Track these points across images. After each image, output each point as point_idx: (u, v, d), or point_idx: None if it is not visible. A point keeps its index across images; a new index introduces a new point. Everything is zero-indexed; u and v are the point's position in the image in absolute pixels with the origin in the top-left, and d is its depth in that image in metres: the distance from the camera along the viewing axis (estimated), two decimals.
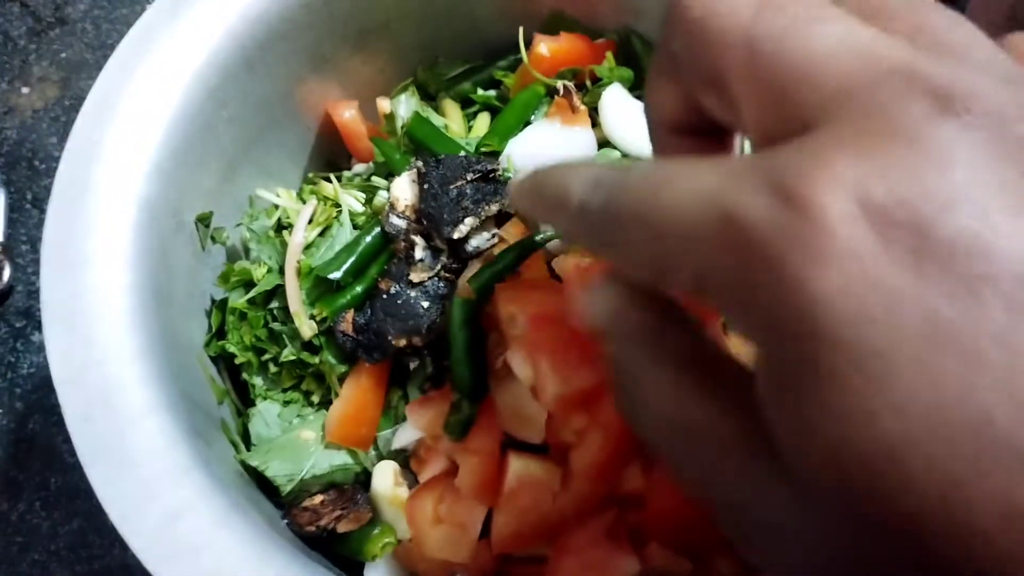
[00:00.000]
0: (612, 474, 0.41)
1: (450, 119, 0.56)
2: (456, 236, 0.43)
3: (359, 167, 0.56)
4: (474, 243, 0.45)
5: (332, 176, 0.53)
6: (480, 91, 0.57)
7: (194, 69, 0.44)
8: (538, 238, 0.43)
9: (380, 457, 0.46)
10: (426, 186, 0.45)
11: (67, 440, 0.40)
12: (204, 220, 0.47)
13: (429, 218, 0.45)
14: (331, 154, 0.57)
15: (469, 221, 0.44)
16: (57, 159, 0.66)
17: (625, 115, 0.52)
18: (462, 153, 0.48)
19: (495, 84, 0.58)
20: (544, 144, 0.51)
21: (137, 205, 0.41)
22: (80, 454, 0.34)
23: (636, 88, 0.55)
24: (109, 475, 0.34)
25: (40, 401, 0.57)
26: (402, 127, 0.53)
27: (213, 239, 0.48)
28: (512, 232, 0.45)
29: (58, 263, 0.38)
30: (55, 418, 0.56)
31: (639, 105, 0.53)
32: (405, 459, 0.46)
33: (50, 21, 0.70)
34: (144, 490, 0.34)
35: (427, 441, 0.44)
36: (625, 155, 0.51)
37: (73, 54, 0.69)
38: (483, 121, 0.56)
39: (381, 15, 0.53)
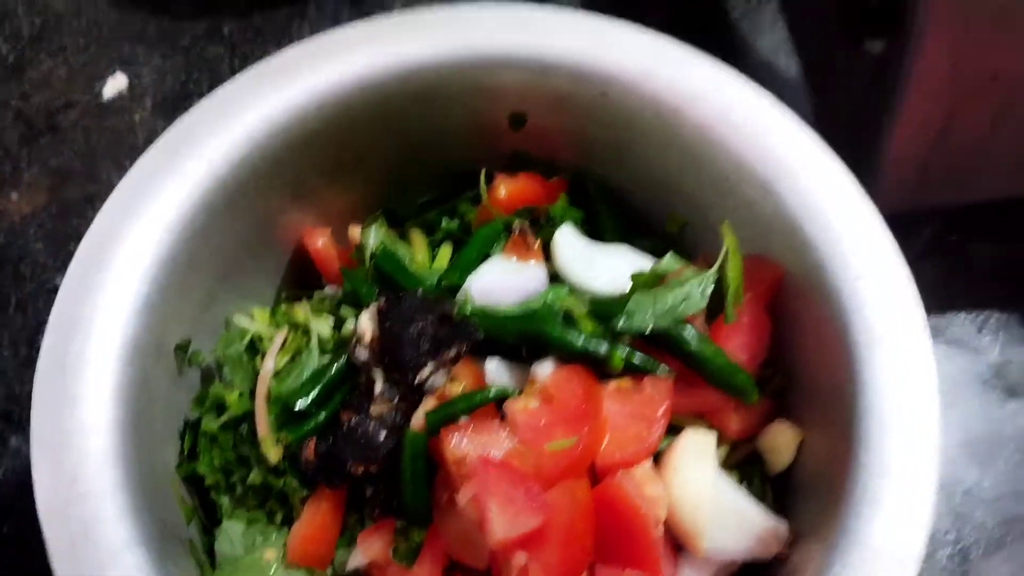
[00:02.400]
0: None
1: (416, 248, 0.60)
2: (417, 381, 0.48)
3: (329, 289, 0.60)
4: (430, 380, 0.49)
5: (304, 300, 0.57)
6: (445, 220, 0.62)
7: (182, 212, 0.49)
8: (491, 393, 0.48)
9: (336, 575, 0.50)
10: (387, 324, 0.50)
11: (41, 544, 0.42)
12: (183, 347, 0.51)
13: (390, 356, 0.49)
14: (305, 275, 0.62)
15: (430, 366, 0.48)
16: (43, 265, 0.70)
17: (575, 253, 0.57)
18: (420, 292, 0.53)
19: (460, 213, 0.63)
20: (500, 279, 0.56)
21: (123, 342, 0.45)
22: None
23: (589, 223, 0.60)
24: None
25: (14, 505, 0.59)
26: (370, 257, 0.57)
27: (190, 362, 0.52)
28: (465, 372, 0.50)
29: (48, 399, 0.42)
30: (30, 521, 0.58)
31: (588, 243, 0.58)
32: None
33: (41, 129, 0.74)
34: None
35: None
36: (573, 290, 0.56)
37: (62, 162, 0.73)
38: (446, 251, 0.60)
39: (357, 151, 0.58)
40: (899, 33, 0.57)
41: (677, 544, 0.49)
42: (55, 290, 0.46)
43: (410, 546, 0.46)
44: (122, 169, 0.73)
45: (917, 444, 0.44)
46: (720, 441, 0.53)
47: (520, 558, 0.44)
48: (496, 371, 0.50)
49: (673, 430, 0.51)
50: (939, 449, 0.44)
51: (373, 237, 0.59)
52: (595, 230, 0.60)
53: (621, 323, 0.51)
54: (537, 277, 0.57)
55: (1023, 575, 0.63)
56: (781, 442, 0.53)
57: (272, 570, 0.48)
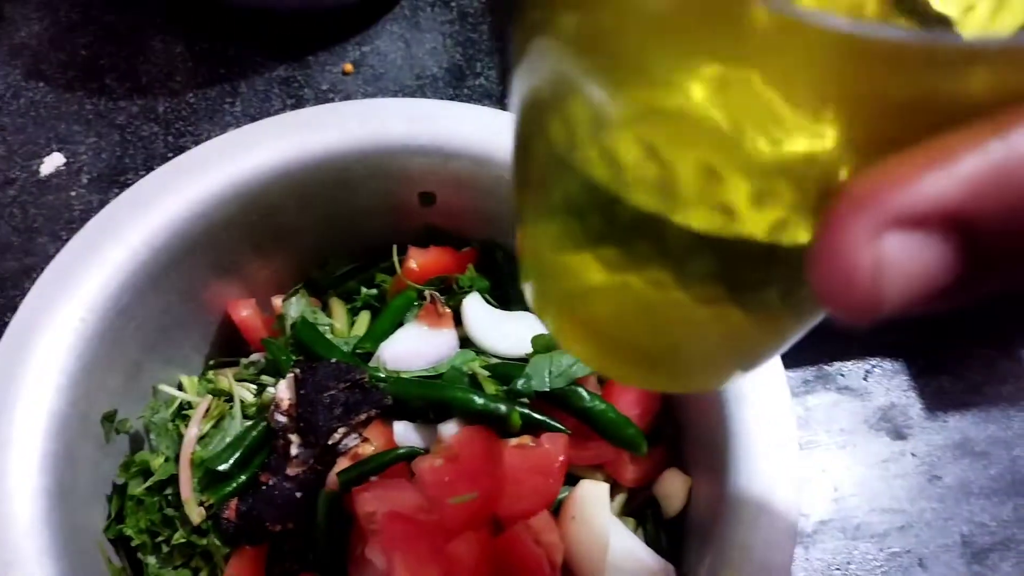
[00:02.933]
0: None
1: (335, 317, 0.65)
2: (330, 443, 0.52)
3: (255, 356, 0.64)
4: (343, 442, 0.53)
5: (227, 368, 0.61)
6: (364, 289, 0.67)
7: (106, 295, 0.52)
8: (398, 452, 0.52)
9: None
10: (302, 392, 0.54)
11: None
12: (109, 417, 0.54)
13: (306, 421, 0.53)
14: (231, 342, 0.65)
15: (342, 430, 0.52)
16: None
17: (482, 319, 0.62)
18: (335, 360, 0.57)
19: (377, 283, 0.68)
20: (412, 345, 0.61)
21: (48, 417, 0.48)
22: None
23: (496, 291, 0.65)
24: None
25: None
26: (291, 327, 0.61)
27: (117, 431, 0.55)
28: (375, 434, 0.54)
29: None
30: None
31: (494, 310, 0.63)
32: None
33: None
34: None
35: None
36: (480, 353, 0.61)
37: (0, 236, 0.76)
38: (364, 318, 0.65)
39: (276, 231, 0.63)
40: None
41: None
42: None
43: None
44: (59, 241, 0.76)
45: (779, 489, 0.50)
46: (617, 489, 0.58)
47: None
48: (404, 432, 0.55)
49: (572, 480, 0.56)
50: (795, 497, 0.50)
51: (294, 308, 0.63)
52: (503, 296, 0.65)
53: (520, 384, 0.55)
54: (447, 342, 0.61)
55: None
56: (673, 488, 0.58)
57: None
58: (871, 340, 0.78)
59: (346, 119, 0.60)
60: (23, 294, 0.52)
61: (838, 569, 0.69)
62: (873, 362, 0.78)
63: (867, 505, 0.72)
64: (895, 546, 0.71)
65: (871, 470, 0.74)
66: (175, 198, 0.56)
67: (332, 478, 0.53)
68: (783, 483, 0.50)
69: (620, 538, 0.54)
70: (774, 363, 0.53)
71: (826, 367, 0.77)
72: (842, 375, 0.77)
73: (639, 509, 0.59)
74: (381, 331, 0.61)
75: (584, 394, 0.55)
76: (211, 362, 0.65)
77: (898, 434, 0.75)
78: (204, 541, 0.53)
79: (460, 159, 0.60)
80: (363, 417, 0.54)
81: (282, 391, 0.55)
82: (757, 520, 0.49)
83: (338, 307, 0.65)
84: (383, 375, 0.56)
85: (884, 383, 0.77)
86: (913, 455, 0.74)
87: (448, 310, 0.62)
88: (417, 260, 0.65)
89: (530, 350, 0.59)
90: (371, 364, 0.58)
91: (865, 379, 0.77)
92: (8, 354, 0.49)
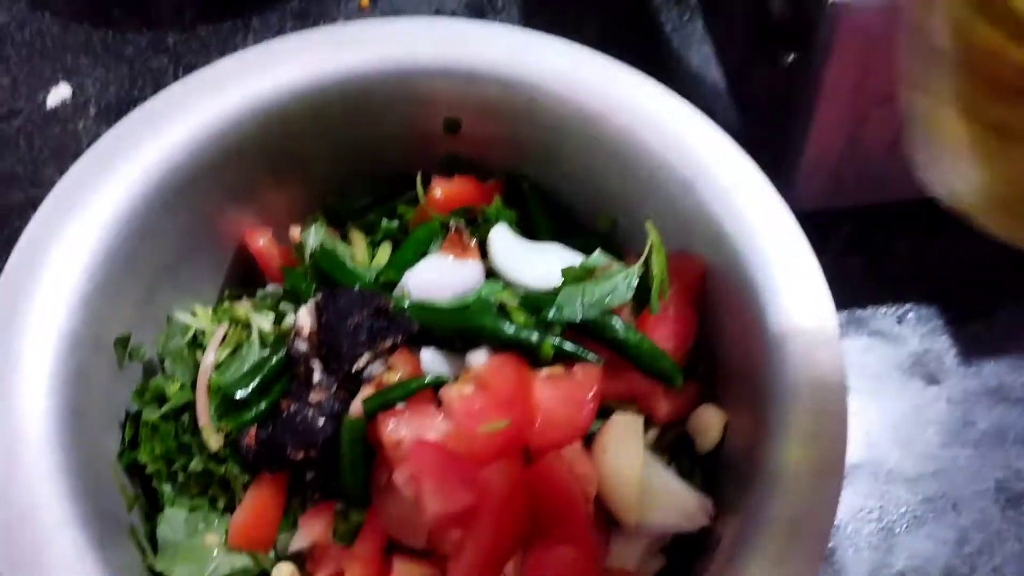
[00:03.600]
0: None
1: (355, 247, 0.62)
2: (354, 370, 0.50)
3: (271, 287, 0.62)
4: (367, 370, 0.51)
5: (245, 298, 0.59)
6: (385, 220, 0.64)
7: (118, 214, 0.50)
8: (426, 380, 0.50)
9: (278, 559, 0.51)
10: (325, 318, 0.51)
11: None
12: (122, 342, 0.52)
13: (328, 348, 0.51)
14: (247, 274, 0.63)
15: (366, 356, 0.50)
16: None
17: (509, 251, 0.60)
18: (357, 287, 0.54)
19: (399, 214, 0.65)
20: (437, 275, 0.58)
21: (59, 336, 0.46)
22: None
23: (522, 224, 0.63)
24: None
25: None
26: (310, 256, 0.59)
27: (131, 357, 0.53)
28: (400, 362, 0.52)
29: None
30: None
31: (522, 241, 0.60)
32: (302, 560, 0.51)
33: None
34: None
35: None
36: (507, 285, 0.58)
37: (5, 167, 0.74)
38: (385, 250, 0.62)
39: (294, 157, 0.60)
40: (807, 46, 0.60)
41: (609, 521, 0.52)
42: None
43: (349, 527, 0.48)
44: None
45: (827, 422, 0.47)
46: (650, 424, 0.56)
47: (455, 533, 0.45)
48: (431, 360, 0.52)
49: (605, 414, 0.54)
50: (847, 426, 0.47)
51: (313, 237, 0.60)
52: (529, 229, 0.63)
53: (552, 314, 0.53)
54: (473, 274, 0.59)
55: (945, 549, 0.66)
56: (708, 424, 0.56)
57: (214, 554, 0.49)
58: (905, 284, 0.76)
59: (371, 38, 0.57)
60: None
61: (870, 512, 0.68)
62: (907, 307, 0.75)
63: (899, 450, 0.70)
64: (928, 491, 0.69)
65: (904, 415, 0.71)
66: (190, 116, 0.53)
67: (356, 406, 0.50)
68: (829, 420, 0.47)
69: (655, 471, 0.52)
70: (822, 295, 0.51)
71: (859, 311, 0.75)
72: (875, 319, 0.75)
73: (672, 445, 0.57)
74: (404, 261, 0.58)
75: (618, 325, 0.53)
76: (226, 293, 0.62)
77: (932, 379, 0.73)
78: (222, 469, 0.51)
79: (488, 83, 0.58)
80: (388, 344, 0.51)
81: (303, 317, 0.53)
82: (801, 462, 0.46)
83: (358, 238, 0.63)
84: (411, 304, 0.53)
85: (918, 328, 0.74)
86: (947, 401, 0.72)
87: (474, 240, 0.59)
88: (442, 189, 0.62)
89: (559, 283, 0.56)
90: (395, 294, 0.56)
91: (899, 324, 0.75)
92: (19, 269, 0.47)
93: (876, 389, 0.72)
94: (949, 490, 0.68)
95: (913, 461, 0.70)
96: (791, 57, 0.64)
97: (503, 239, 0.60)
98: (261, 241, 0.61)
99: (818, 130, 0.65)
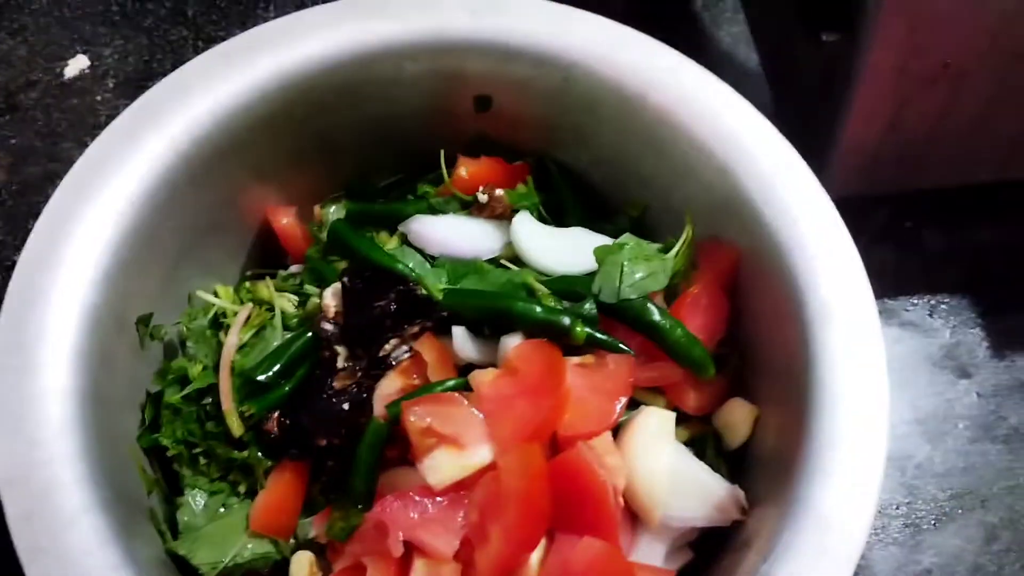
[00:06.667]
0: (511, 568, 0.46)
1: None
2: (380, 355, 0.48)
3: (294, 267, 0.61)
4: (393, 354, 0.50)
5: (268, 278, 0.57)
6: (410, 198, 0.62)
7: (144, 188, 0.49)
8: (451, 383, 0.49)
9: (298, 546, 0.50)
10: (351, 300, 0.50)
11: None
12: (144, 321, 0.51)
13: (354, 332, 0.49)
14: (269, 253, 0.62)
15: (393, 342, 0.49)
16: (1, 243, 0.69)
17: (536, 236, 0.58)
18: (384, 267, 0.53)
19: (420, 195, 0.63)
20: (450, 228, 0.57)
21: (82, 312, 0.45)
22: (19, 551, 0.38)
23: (548, 207, 0.61)
24: (46, 571, 0.37)
25: None
26: (328, 229, 0.57)
27: (152, 336, 0.52)
28: (426, 347, 0.50)
29: (6, 368, 0.42)
30: None
31: (549, 228, 0.59)
32: (323, 548, 0.50)
33: (1, 107, 0.73)
34: None
35: None
36: (537, 272, 0.56)
37: (22, 140, 0.72)
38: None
39: (319, 132, 0.59)
40: (853, 25, 0.58)
41: (635, 514, 0.50)
42: (13, 267, 0.46)
43: (347, 526, 0.47)
44: (84, 147, 0.71)
45: (866, 416, 0.46)
46: (678, 419, 0.54)
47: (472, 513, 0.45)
48: (462, 340, 0.51)
49: (631, 406, 0.52)
50: (888, 421, 0.46)
51: (334, 214, 0.59)
52: (557, 214, 0.61)
53: (587, 307, 0.52)
54: (490, 236, 0.57)
55: (971, 547, 0.65)
56: (737, 418, 0.54)
57: (235, 538, 0.48)
58: (938, 274, 0.74)
59: (403, 9, 0.55)
60: (46, 201, 0.48)
61: (897, 508, 0.66)
62: (939, 297, 0.73)
63: (928, 445, 0.69)
64: (956, 487, 0.67)
65: (934, 409, 0.70)
66: (218, 88, 0.52)
67: (380, 396, 0.49)
68: (869, 419, 0.46)
69: (686, 464, 0.51)
70: (863, 287, 0.49)
71: (890, 301, 0.73)
72: (907, 310, 0.73)
73: (699, 439, 0.56)
74: None
75: (654, 309, 0.51)
76: (247, 273, 0.61)
77: (963, 373, 0.71)
78: (244, 454, 0.50)
79: (522, 59, 0.56)
80: (416, 329, 0.50)
81: (329, 298, 0.52)
82: (835, 473, 0.45)
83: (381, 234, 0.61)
84: (441, 287, 0.52)
85: (950, 319, 0.73)
86: (978, 394, 0.71)
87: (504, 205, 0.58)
88: (467, 169, 0.60)
89: (586, 268, 0.55)
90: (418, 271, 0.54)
91: (930, 315, 0.73)
92: (43, 241, 0.45)
93: (906, 382, 0.71)
94: (978, 487, 0.67)
95: (942, 456, 0.68)
96: (833, 37, 0.62)
97: (527, 225, 0.58)
98: (284, 219, 0.60)
99: (858, 113, 0.63)
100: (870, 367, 0.47)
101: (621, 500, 0.48)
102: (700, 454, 0.55)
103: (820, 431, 0.46)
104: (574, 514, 0.47)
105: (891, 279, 0.73)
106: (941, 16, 0.56)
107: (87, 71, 0.77)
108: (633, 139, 0.57)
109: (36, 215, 0.48)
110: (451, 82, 0.58)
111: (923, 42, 0.57)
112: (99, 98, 0.75)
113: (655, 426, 0.51)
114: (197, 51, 0.78)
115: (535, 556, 0.47)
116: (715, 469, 0.54)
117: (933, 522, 0.65)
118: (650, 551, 0.50)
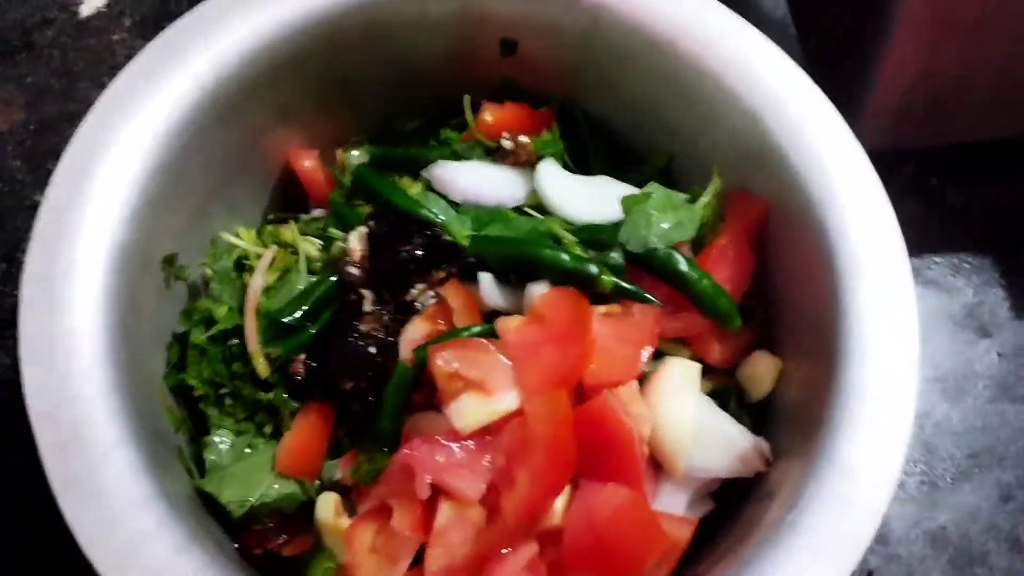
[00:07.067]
0: (536, 514, 0.46)
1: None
2: (407, 300, 0.48)
3: (317, 212, 0.60)
4: (419, 300, 0.49)
5: (291, 221, 0.57)
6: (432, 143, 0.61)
7: (170, 124, 0.48)
8: (478, 329, 0.49)
9: (324, 487, 0.50)
10: (377, 244, 0.50)
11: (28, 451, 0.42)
12: (170, 260, 0.51)
13: (379, 275, 0.49)
14: (291, 197, 0.61)
15: (419, 287, 0.48)
16: (19, 181, 0.69)
17: (561, 185, 0.57)
18: (409, 211, 0.52)
19: (443, 140, 0.62)
20: (474, 174, 0.56)
21: (110, 249, 0.45)
22: (52, 483, 0.38)
23: (573, 154, 0.60)
24: (80, 503, 0.38)
25: None
26: (352, 173, 0.57)
27: (177, 276, 0.52)
28: (452, 292, 0.50)
29: (37, 305, 0.42)
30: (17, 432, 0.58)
31: (575, 177, 0.58)
32: (347, 490, 0.51)
33: (17, 46, 0.72)
34: (111, 517, 0.38)
35: None
36: (562, 221, 0.56)
37: (38, 79, 0.71)
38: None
39: (344, 74, 0.58)
40: None
41: (659, 464, 0.50)
42: (33, 207, 0.46)
43: (373, 468, 0.47)
44: (101, 87, 0.70)
45: (896, 371, 0.46)
46: (701, 371, 0.54)
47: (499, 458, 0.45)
48: (489, 287, 0.51)
49: (656, 357, 0.52)
50: (917, 377, 0.46)
51: (357, 158, 0.58)
52: (581, 162, 0.60)
53: (613, 255, 0.51)
54: (514, 183, 0.57)
55: (988, 505, 0.65)
56: (761, 371, 0.54)
57: (261, 478, 0.49)
58: (963, 232, 0.73)
59: None
60: (65, 141, 0.47)
61: (915, 465, 0.67)
62: (962, 256, 0.73)
63: (947, 403, 0.69)
64: (974, 446, 0.67)
65: (953, 368, 0.70)
66: (242, 25, 0.51)
67: (406, 340, 0.49)
68: (901, 380, 0.45)
69: (711, 415, 0.51)
70: (896, 242, 0.48)
71: (913, 259, 0.72)
72: (930, 269, 0.73)
73: (722, 391, 0.56)
74: None
75: (681, 259, 0.51)
76: (270, 216, 0.61)
77: (984, 332, 0.71)
78: (270, 395, 0.50)
79: (549, 2, 0.55)
80: (442, 275, 0.50)
81: (354, 242, 0.51)
82: (863, 426, 0.44)
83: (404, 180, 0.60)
84: (466, 234, 0.51)
85: (972, 279, 0.72)
86: (999, 354, 0.70)
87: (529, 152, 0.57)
88: (492, 114, 0.59)
89: (610, 217, 0.54)
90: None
91: (953, 274, 0.72)
92: (69, 177, 0.45)
93: (926, 339, 0.69)
94: (995, 446, 0.67)
95: (960, 415, 0.68)
96: None
97: (551, 173, 0.57)
98: (307, 162, 0.59)
99: (889, 63, 0.62)
100: (901, 323, 0.46)
101: (646, 449, 0.48)
102: (723, 406, 0.54)
103: (849, 385, 0.45)
104: (599, 461, 0.47)
105: (915, 236, 0.72)
106: None
107: (104, 9, 0.75)
108: (661, 86, 0.56)
109: (54, 155, 0.48)
110: (476, 25, 0.57)
111: None
112: (116, 37, 0.74)
113: (680, 376, 0.51)
114: None
115: (559, 502, 0.47)
116: (738, 421, 0.54)
117: (950, 480, 0.66)
118: (672, 500, 0.50)
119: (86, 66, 0.73)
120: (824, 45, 0.72)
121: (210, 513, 0.48)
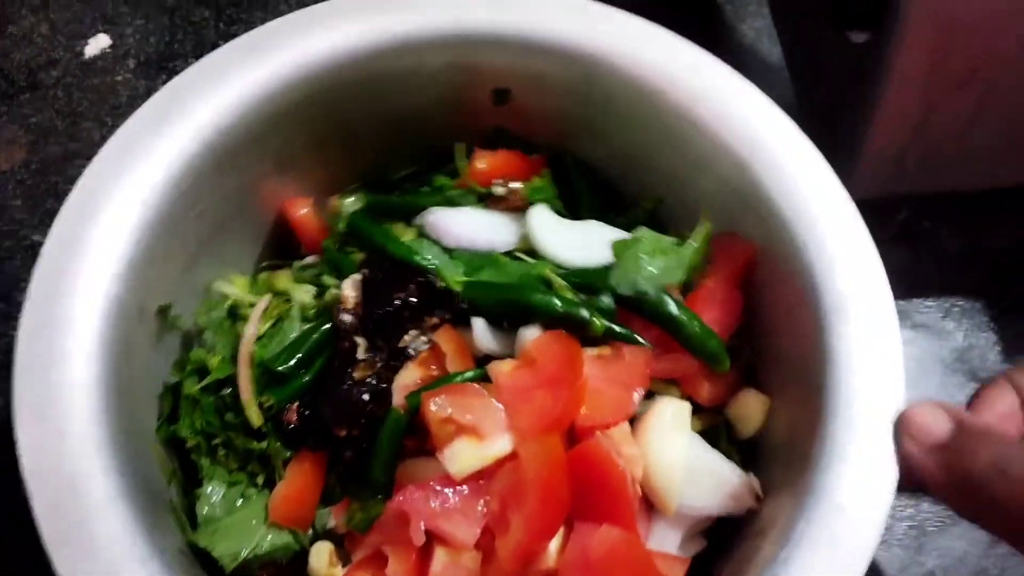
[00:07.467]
0: (531, 556, 0.47)
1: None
2: (400, 346, 0.49)
3: (310, 258, 0.61)
4: (412, 345, 0.50)
5: (284, 269, 0.58)
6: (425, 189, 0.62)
7: (170, 174, 0.49)
8: (470, 374, 0.50)
9: (317, 536, 0.51)
10: (370, 291, 0.50)
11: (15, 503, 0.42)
12: (164, 311, 0.51)
13: (373, 323, 0.50)
14: (284, 245, 0.62)
15: (412, 333, 0.49)
16: (20, 221, 0.69)
17: (552, 229, 0.58)
18: (402, 258, 0.53)
19: (437, 187, 0.63)
20: (467, 221, 0.57)
21: (106, 302, 0.45)
22: (46, 541, 0.39)
23: (564, 199, 0.61)
24: (74, 561, 0.38)
25: None
26: (346, 220, 0.58)
27: (171, 326, 0.52)
28: (445, 338, 0.51)
29: (32, 356, 0.42)
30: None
31: (565, 221, 0.59)
32: (341, 538, 0.51)
33: (22, 85, 0.73)
34: (107, 571, 0.38)
35: None
36: (553, 265, 0.56)
37: (43, 119, 0.72)
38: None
39: (340, 123, 0.59)
40: (883, 25, 0.58)
41: (651, 503, 0.51)
42: (32, 247, 0.47)
43: (366, 516, 0.48)
44: (104, 127, 0.73)
45: (884, 408, 0.46)
46: (692, 409, 0.55)
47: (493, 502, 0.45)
48: (482, 332, 0.51)
49: (647, 397, 0.53)
50: (904, 407, 0.46)
51: (351, 206, 0.59)
52: (571, 206, 0.61)
53: (604, 299, 0.52)
54: (506, 228, 0.58)
55: (975, 550, 0.65)
56: (750, 409, 0.55)
57: (254, 530, 0.49)
58: (953, 277, 0.74)
59: (422, 3, 0.55)
60: (66, 181, 0.48)
61: (903, 510, 0.66)
62: (954, 300, 0.73)
63: None
64: None
65: None
66: (246, 76, 0.52)
67: (399, 386, 0.50)
68: (887, 405, 0.46)
69: (702, 454, 0.51)
70: (881, 285, 0.49)
71: (903, 302, 0.73)
72: (920, 312, 0.73)
73: (711, 430, 0.56)
74: None
75: (671, 302, 0.52)
76: (263, 264, 0.61)
77: (974, 376, 0.71)
78: (263, 445, 0.51)
79: (544, 54, 0.56)
80: (435, 320, 0.50)
81: (348, 289, 0.52)
82: (852, 464, 0.45)
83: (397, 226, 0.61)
84: (460, 279, 0.52)
85: (963, 323, 0.73)
86: None
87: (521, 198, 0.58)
88: (485, 161, 0.60)
89: (601, 261, 0.55)
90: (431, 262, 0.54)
91: (944, 317, 0.73)
92: (68, 228, 0.46)
93: (916, 383, 0.71)
94: None
95: None
96: (861, 37, 0.61)
97: (543, 217, 0.58)
98: (302, 211, 0.60)
99: (885, 115, 0.62)
100: (887, 359, 0.47)
101: (639, 489, 0.49)
102: (713, 444, 0.55)
103: (836, 421, 0.46)
104: (592, 503, 0.48)
105: (907, 279, 0.73)
106: (974, 20, 0.55)
107: (108, 50, 0.76)
108: (651, 134, 0.57)
109: (55, 195, 0.48)
110: (470, 75, 0.58)
111: (955, 46, 0.57)
112: (120, 78, 0.75)
113: (671, 416, 0.52)
114: (219, 32, 0.78)
115: (554, 544, 0.47)
116: (728, 458, 0.54)
117: (938, 524, 0.66)
118: (665, 539, 0.51)
119: (89, 105, 0.74)
120: (819, 93, 0.73)
121: (204, 566, 0.48)
